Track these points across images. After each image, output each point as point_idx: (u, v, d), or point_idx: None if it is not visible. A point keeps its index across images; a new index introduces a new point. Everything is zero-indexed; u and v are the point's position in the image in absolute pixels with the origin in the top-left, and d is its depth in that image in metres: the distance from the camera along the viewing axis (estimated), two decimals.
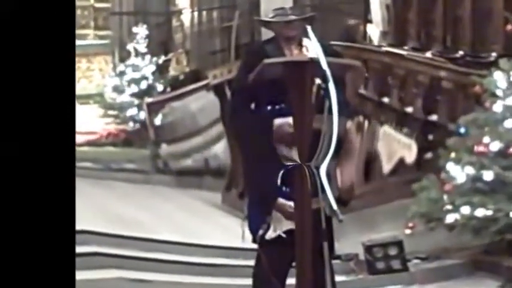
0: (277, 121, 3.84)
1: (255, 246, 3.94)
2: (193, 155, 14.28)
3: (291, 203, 3.79)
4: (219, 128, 13.20)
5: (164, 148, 14.77)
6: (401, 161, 9.57)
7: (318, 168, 3.72)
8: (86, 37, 18.67)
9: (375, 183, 9.68)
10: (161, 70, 17.13)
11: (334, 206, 3.70)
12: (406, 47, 11.38)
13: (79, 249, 6.86)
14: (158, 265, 7.08)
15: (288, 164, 3.82)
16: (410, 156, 9.37)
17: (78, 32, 18.28)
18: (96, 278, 6.45)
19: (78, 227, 7.74)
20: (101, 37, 19.05)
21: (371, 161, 9.84)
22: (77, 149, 15.72)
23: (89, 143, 15.78)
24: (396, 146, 9.63)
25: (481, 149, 6.98)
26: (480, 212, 6.73)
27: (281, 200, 3.84)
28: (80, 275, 6.26)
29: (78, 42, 18.12)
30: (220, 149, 13.46)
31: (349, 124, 4.11)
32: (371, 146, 9.84)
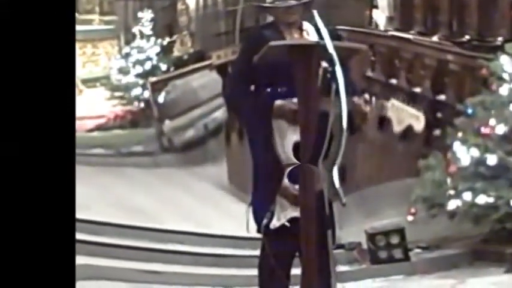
0: (278, 102, 3.78)
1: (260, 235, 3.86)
2: (195, 124, 14.70)
3: (296, 186, 3.69)
4: (219, 101, 13.39)
5: (167, 124, 15.09)
6: (410, 128, 9.64)
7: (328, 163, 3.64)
8: (91, 22, 18.70)
9: (386, 151, 9.79)
10: (165, 51, 17.27)
11: (337, 184, 3.51)
12: (412, 32, 11.35)
13: (94, 238, 7.03)
14: (167, 256, 7.14)
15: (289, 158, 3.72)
16: (418, 125, 9.47)
17: (83, 17, 18.38)
18: (109, 266, 6.51)
19: (93, 217, 7.81)
20: (106, 22, 19.09)
21: (382, 126, 9.93)
22: (88, 134, 16.27)
23: (98, 128, 16.14)
24: (404, 115, 9.75)
25: (487, 130, 7.00)
26: (481, 199, 6.75)
27: (286, 183, 3.74)
28: (96, 263, 6.43)
29: (83, 27, 18.31)
30: (219, 115, 13.67)
31: (356, 98, 3.93)
32: (381, 113, 9.91)
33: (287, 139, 3.74)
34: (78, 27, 17.85)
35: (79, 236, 6.84)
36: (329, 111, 3.59)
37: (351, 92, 3.71)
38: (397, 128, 9.76)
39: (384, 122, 9.91)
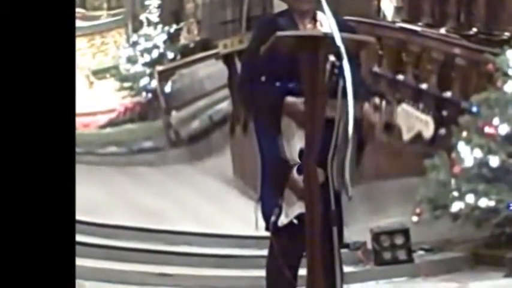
0: (289, 99, 3.66)
1: (268, 234, 3.82)
2: (200, 115, 14.78)
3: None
4: (225, 92, 13.42)
5: (174, 115, 15.21)
6: (419, 135, 9.60)
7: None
8: (99, 18, 18.79)
9: (393, 147, 9.75)
10: (172, 39, 17.30)
11: (347, 177, 3.52)
12: (420, 24, 11.26)
13: (107, 242, 7.11)
14: (178, 258, 7.24)
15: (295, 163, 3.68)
16: (427, 132, 9.42)
17: (91, 13, 18.45)
18: (122, 270, 6.62)
19: (109, 221, 7.95)
20: (114, 16, 19.16)
21: (390, 129, 9.89)
22: (101, 131, 16.55)
23: (110, 123, 16.43)
24: (414, 121, 9.68)
25: (490, 130, 7.00)
26: (483, 202, 6.79)
27: (295, 176, 3.66)
28: (105, 266, 6.50)
29: (91, 23, 18.42)
30: (224, 106, 13.73)
31: (366, 106, 3.84)
32: (389, 118, 9.85)
33: (294, 142, 3.67)
34: (86, 23, 18.07)
35: (92, 240, 7.00)
36: (335, 115, 3.48)
37: (360, 95, 3.60)
38: (406, 136, 9.68)
39: (392, 128, 9.81)
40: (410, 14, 11.88)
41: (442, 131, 9.03)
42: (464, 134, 7.24)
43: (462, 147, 7.13)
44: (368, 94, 4.01)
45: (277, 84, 3.70)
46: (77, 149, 12.35)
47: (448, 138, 7.79)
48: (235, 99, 11.58)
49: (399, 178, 8.95)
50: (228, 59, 12.94)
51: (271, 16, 4.13)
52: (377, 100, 9.81)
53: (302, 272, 3.68)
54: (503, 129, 7.05)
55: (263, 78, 3.74)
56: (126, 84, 16.94)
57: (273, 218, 3.72)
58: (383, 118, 9.71)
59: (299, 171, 3.62)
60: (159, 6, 17.46)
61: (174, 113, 15.27)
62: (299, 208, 3.65)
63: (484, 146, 7.01)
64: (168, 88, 15.44)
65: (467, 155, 7.06)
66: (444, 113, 9.33)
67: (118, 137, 15.42)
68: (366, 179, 9.20)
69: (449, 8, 11.28)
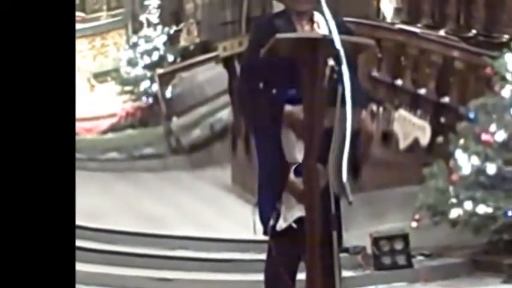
0: (288, 107, 3.63)
1: (266, 238, 3.82)
2: (201, 123, 14.79)
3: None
4: (225, 98, 13.40)
5: (175, 122, 15.15)
6: (416, 142, 9.58)
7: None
8: (99, 19, 18.84)
9: (391, 157, 9.74)
10: (172, 41, 17.29)
11: (344, 179, 3.40)
12: (419, 25, 11.25)
13: (107, 247, 7.15)
14: (177, 263, 7.30)
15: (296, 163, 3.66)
16: (425, 138, 9.40)
17: (90, 15, 18.50)
18: (121, 275, 6.65)
19: (109, 226, 8.02)
20: (114, 16, 19.19)
21: (387, 138, 9.86)
22: (102, 137, 16.58)
23: (112, 128, 16.52)
24: (410, 128, 9.64)
25: (487, 137, 7.03)
26: (481, 209, 6.83)
27: (292, 178, 3.66)
28: (106, 271, 6.54)
29: (91, 24, 18.48)
30: (225, 115, 13.72)
31: (364, 114, 3.65)
32: (387, 127, 9.83)
33: (295, 154, 3.65)
34: (86, 24, 18.06)
35: (92, 245, 7.04)
36: (334, 119, 3.40)
37: (358, 102, 3.52)
38: (403, 143, 9.66)
39: (389, 137, 9.78)
40: (410, 15, 11.85)
41: (440, 139, 9.04)
42: (462, 141, 7.27)
43: (460, 155, 7.18)
44: (367, 101, 3.96)
45: (276, 90, 3.68)
46: (80, 155, 12.45)
47: (445, 146, 7.82)
48: (235, 107, 11.56)
49: (398, 187, 8.96)
50: (227, 62, 12.90)
51: (268, 17, 4.07)
52: (374, 107, 9.78)
53: (301, 276, 3.67)
54: (500, 136, 7.09)
55: (261, 85, 3.71)
56: (127, 88, 16.94)
57: (271, 222, 3.71)
58: (380, 127, 9.68)
59: (297, 174, 3.60)
60: (159, 7, 17.46)
61: (175, 119, 15.24)
62: (298, 212, 3.64)
63: (481, 154, 7.05)
64: (168, 93, 15.43)
65: (465, 162, 7.12)
66: (442, 119, 9.33)
67: (119, 143, 15.46)
68: (365, 189, 9.20)
69: (449, 9, 11.25)
